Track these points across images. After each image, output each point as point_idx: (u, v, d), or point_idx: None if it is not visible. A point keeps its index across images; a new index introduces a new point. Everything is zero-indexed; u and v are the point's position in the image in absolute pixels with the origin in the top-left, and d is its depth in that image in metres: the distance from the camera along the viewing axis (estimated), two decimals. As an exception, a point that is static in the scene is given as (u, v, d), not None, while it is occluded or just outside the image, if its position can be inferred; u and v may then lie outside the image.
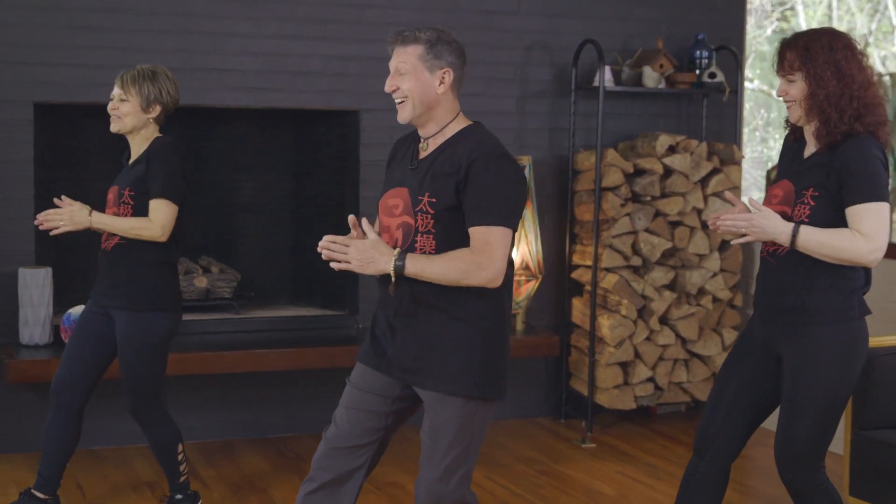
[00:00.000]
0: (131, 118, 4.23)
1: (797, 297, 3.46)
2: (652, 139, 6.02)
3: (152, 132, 4.29)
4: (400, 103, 3.28)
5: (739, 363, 3.66)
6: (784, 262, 3.50)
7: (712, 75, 6.13)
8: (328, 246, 3.18)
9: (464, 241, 3.20)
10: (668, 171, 6.03)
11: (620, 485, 5.16)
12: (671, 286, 6.08)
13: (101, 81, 5.33)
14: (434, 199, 3.18)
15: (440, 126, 3.30)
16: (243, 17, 5.58)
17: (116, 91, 4.26)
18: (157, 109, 4.26)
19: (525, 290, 5.95)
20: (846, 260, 3.37)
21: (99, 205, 4.34)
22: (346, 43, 5.75)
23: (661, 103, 6.36)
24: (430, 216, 3.18)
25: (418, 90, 3.25)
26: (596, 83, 5.96)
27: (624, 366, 6.03)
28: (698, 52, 6.20)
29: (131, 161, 4.30)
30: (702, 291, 6.11)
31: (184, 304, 5.62)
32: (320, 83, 5.72)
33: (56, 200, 4.23)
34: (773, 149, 10.64)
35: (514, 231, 3.21)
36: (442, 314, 3.22)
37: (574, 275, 6.16)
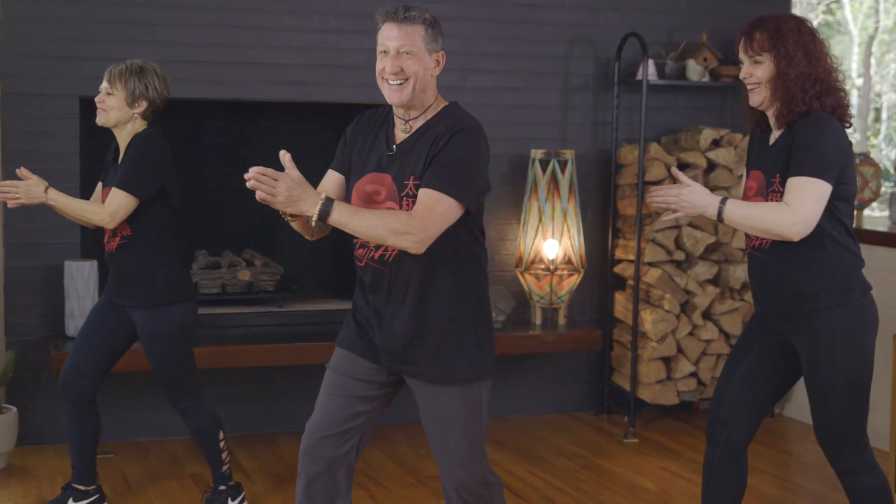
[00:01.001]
0: (116, 112, 4.24)
1: (793, 287, 3.46)
2: (696, 133, 5.99)
3: (138, 127, 4.28)
4: (400, 84, 3.19)
5: (747, 347, 3.67)
6: (770, 254, 3.50)
7: (757, 68, 6.07)
8: (257, 177, 3.00)
9: (453, 226, 3.15)
10: (712, 165, 5.99)
11: (663, 480, 5.14)
12: (714, 281, 6.04)
13: (146, 76, 5.38)
14: (419, 182, 3.14)
15: (424, 108, 3.25)
16: (287, 12, 5.60)
17: (104, 84, 4.27)
18: (143, 105, 4.25)
19: (567, 284, 5.93)
20: (770, 232, 3.38)
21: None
22: (389, 37, 5.74)
23: (705, 97, 6.32)
24: (415, 200, 3.13)
25: (421, 72, 3.19)
26: (639, 77, 5.94)
27: (667, 361, 6.00)
28: (743, 46, 6.15)
29: (119, 160, 4.29)
30: (745, 286, 6.07)
31: (227, 298, 5.71)
32: (363, 77, 5.72)
33: (17, 171, 4.17)
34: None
35: (466, 207, 3.13)
36: (428, 299, 3.20)
37: (617, 269, 6.14)
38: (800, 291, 3.45)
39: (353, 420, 3.31)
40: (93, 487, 4.46)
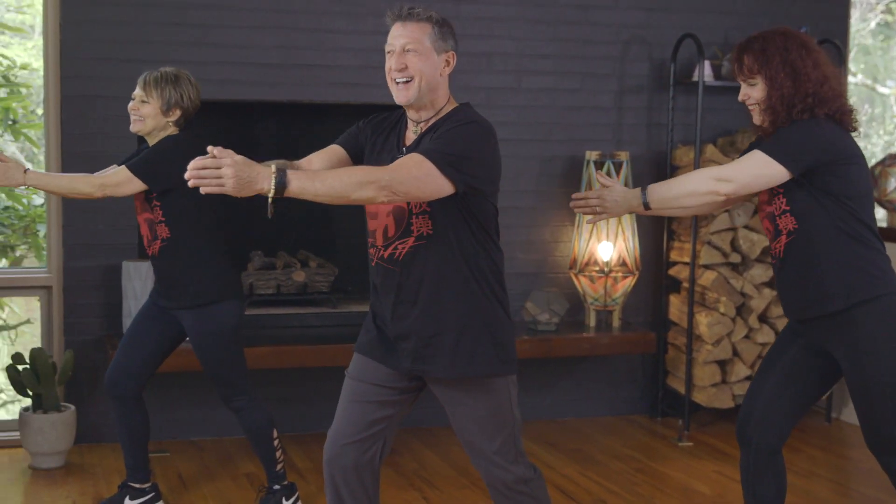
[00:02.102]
0: (151, 120, 4.25)
1: (813, 289, 3.44)
2: (751, 135, 5.93)
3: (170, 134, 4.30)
4: (406, 83, 3.16)
5: (782, 351, 3.64)
6: (786, 261, 3.49)
7: (815, 69, 6.01)
8: (196, 174, 2.81)
9: (459, 218, 3.14)
10: (769, 167, 5.93)
11: (718, 484, 5.10)
12: (771, 284, 5.98)
13: (203, 77, 5.39)
14: None
15: (436, 110, 3.23)
16: (341, 13, 5.62)
17: (138, 92, 4.27)
18: (177, 113, 4.26)
19: (622, 286, 5.90)
20: (694, 192, 3.40)
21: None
22: (444, 38, 5.75)
23: (762, 98, 6.26)
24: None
25: (427, 71, 3.16)
26: (695, 78, 5.90)
27: (722, 364, 5.96)
28: (800, 46, 6.09)
29: None
30: (802, 289, 6.00)
31: (282, 298, 5.74)
32: (417, 79, 5.73)
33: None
34: (877, 145, 10.42)
35: (451, 182, 3.03)
36: (440, 299, 3.17)
37: (672, 271, 6.10)
38: (821, 293, 3.42)
39: (375, 426, 3.31)
40: (148, 485, 4.50)
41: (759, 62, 3.44)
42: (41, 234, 6.33)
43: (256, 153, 6.50)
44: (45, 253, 5.73)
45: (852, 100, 6.37)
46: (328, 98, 5.65)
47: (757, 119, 3.51)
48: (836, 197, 3.40)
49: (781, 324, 5.93)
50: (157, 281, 4.37)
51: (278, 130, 6.22)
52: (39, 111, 6.46)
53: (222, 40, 5.46)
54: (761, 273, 5.91)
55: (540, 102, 5.93)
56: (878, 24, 10.94)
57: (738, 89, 6.06)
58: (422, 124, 3.22)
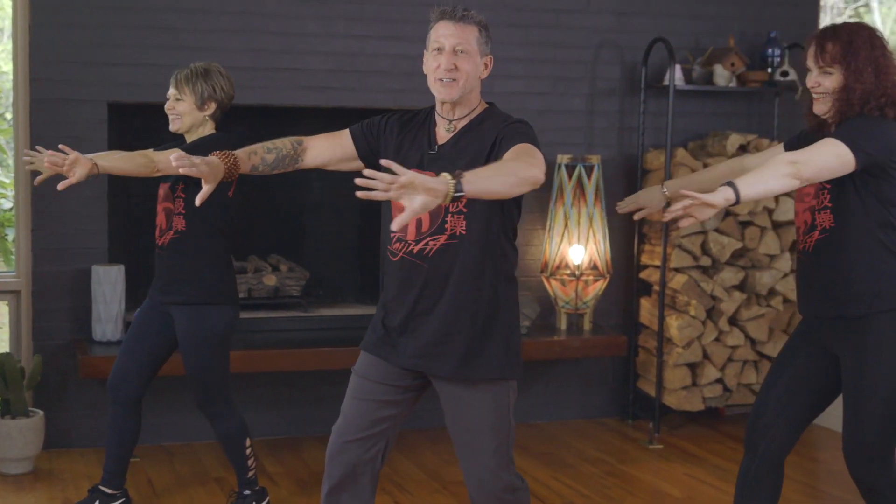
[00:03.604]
0: (189, 117, 4.27)
1: (838, 290, 3.43)
2: (723, 138, 5.97)
3: (208, 130, 4.32)
4: (453, 81, 3.21)
5: (791, 358, 3.63)
6: (815, 256, 3.47)
7: (784, 73, 6.06)
8: (368, 184, 2.75)
9: (492, 220, 3.18)
10: (739, 171, 5.96)
11: (688, 487, 5.12)
12: (741, 287, 6.01)
13: (174, 81, 5.40)
14: None
15: (470, 109, 3.28)
16: (313, 17, 5.61)
17: (171, 91, 4.29)
18: (213, 107, 4.28)
19: (593, 289, 5.92)
20: (771, 175, 3.16)
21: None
22: (416, 42, 5.71)
23: (733, 102, 6.30)
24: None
25: (472, 72, 3.23)
26: (666, 82, 5.92)
27: (692, 367, 5.98)
28: (770, 50, 6.14)
29: None
30: (772, 292, 6.04)
31: (253, 302, 5.73)
32: (389, 82, 5.74)
33: (61, 147, 3.91)
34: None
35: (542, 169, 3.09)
36: (461, 298, 3.20)
37: (642, 275, 6.12)
38: (846, 294, 3.42)
39: (378, 424, 3.32)
40: (119, 491, 4.48)
41: (845, 52, 3.38)
42: (10, 238, 6.29)
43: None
44: (13, 257, 5.69)
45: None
46: (299, 102, 5.64)
47: (821, 108, 3.44)
48: (883, 202, 3.38)
49: (751, 327, 5.97)
50: (158, 274, 4.37)
51: (250, 133, 6.19)
52: (9, 115, 6.42)
53: (193, 43, 5.44)
54: (731, 276, 5.94)
55: (512, 106, 5.91)
56: (848, 28, 11.00)
57: (708, 93, 6.15)
58: (455, 122, 3.27)
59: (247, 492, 4.49)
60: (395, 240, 3.28)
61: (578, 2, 6.01)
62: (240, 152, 3.39)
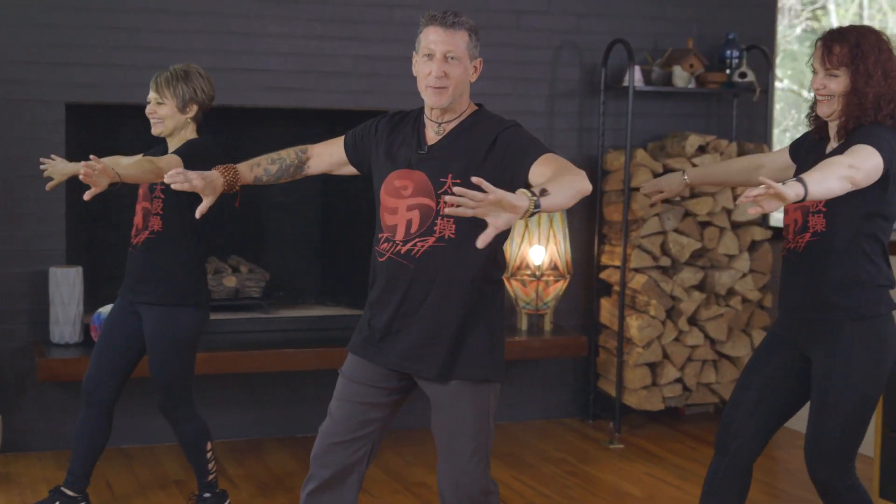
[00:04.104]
0: (171, 120, 4.25)
1: (820, 294, 3.45)
2: (681, 139, 6.00)
3: (190, 133, 4.31)
4: (442, 88, 3.22)
5: (765, 361, 3.64)
6: (802, 257, 3.49)
7: (743, 75, 6.10)
8: (464, 202, 2.76)
9: (482, 223, 3.17)
10: (698, 172, 6.00)
11: (648, 486, 5.15)
12: (700, 287, 6.05)
13: (133, 82, 5.37)
14: (459, 181, 3.17)
15: (459, 112, 3.29)
16: (273, 18, 5.59)
17: (152, 94, 4.26)
18: (194, 109, 4.27)
19: (553, 290, 5.94)
20: (836, 189, 3.16)
21: (131, 204, 4.36)
22: (376, 43, 5.76)
23: (691, 103, 6.34)
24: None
25: (462, 78, 3.24)
26: (625, 83, 5.95)
27: (652, 366, 6.01)
28: (729, 52, 6.18)
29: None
30: (731, 292, 6.08)
31: (213, 304, 5.69)
32: (350, 83, 5.73)
33: (92, 157, 3.83)
34: (804, 149, 10.56)
35: None
36: (447, 300, 3.22)
37: (602, 275, 6.15)
38: (825, 300, 3.43)
39: (365, 427, 3.33)
40: (80, 495, 4.45)
41: (853, 55, 3.37)
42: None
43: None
44: (-30, 259, 5.63)
45: (778, 105, 6.43)
46: (260, 103, 5.62)
47: (825, 110, 3.44)
48: (873, 213, 3.39)
49: (710, 326, 6.01)
50: (129, 273, 4.33)
51: (210, 135, 6.16)
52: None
53: (153, 44, 5.41)
54: (690, 276, 5.98)
55: (472, 107, 5.93)
56: (804, 31, 11.10)
57: (667, 95, 6.18)
58: (444, 125, 3.29)
59: (207, 494, 4.47)
60: (382, 240, 3.29)
61: (538, 3, 6.03)
62: (241, 165, 3.47)
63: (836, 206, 3.40)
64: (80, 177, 3.67)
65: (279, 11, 5.60)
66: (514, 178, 3.15)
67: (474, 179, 2.80)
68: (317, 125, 6.30)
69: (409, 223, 3.22)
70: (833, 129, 3.50)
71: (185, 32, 5.46)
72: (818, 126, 3.57)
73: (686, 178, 3.97)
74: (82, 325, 5.32)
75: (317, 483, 3.33)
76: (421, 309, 3.23)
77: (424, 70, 3.25)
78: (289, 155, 3.53)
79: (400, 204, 3.24)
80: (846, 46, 3.39)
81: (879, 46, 3.40)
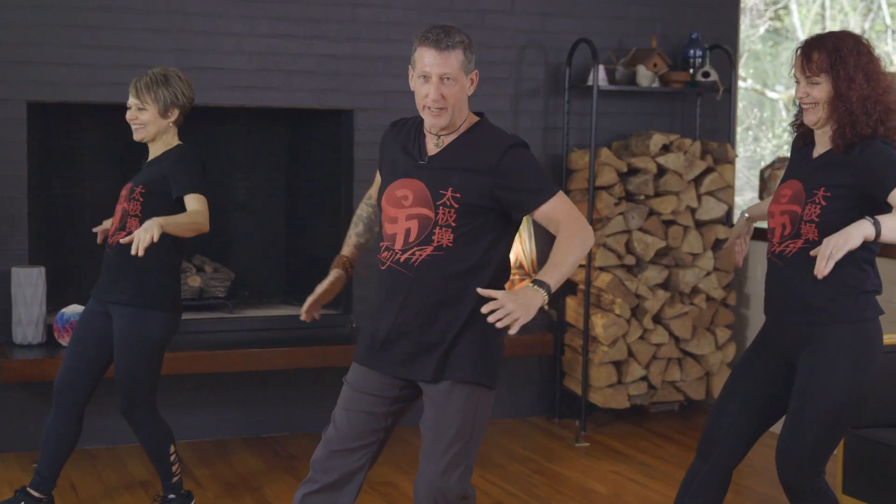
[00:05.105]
0: (153, 126, 4.23)
1: (807, 298, 3.44)
2: (646, 138, 6.03)
3: (172, 137, 4.29)
4: (440, 110, 3.24)
5: (751, 368, 3.64)
6: (791, 262, 3.48)
7: (706, 74, 6.13)
8: (496, 317, 3.04)
9: (479, 235, 3.23)
10: (662, 170, 6.03)
11: (614, 484, 5.17)
12: (665, 285, 6.08)
13: (96, 81, 5.34)
14: (458, 195, 3.20)
15: (458, 124, 3.31)
16: (237, 16, 5.57)
17: (132, 100, 4.23)
18: (176, 113, 4.25)
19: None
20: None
21: (107, 204, 4.33)
22: (340, 42, 5.75)
23: (655, 102, 6.37)
24: (453, 210, 3.20)
25: (460, 95, 3.26)
26: (590, 82, 5.97)
27: (617, 365, 6.03)
28: (692, 52, 6.21)
29: (149, 160, 4.30)
30: (695, 290, 6.12)
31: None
32: (314, 82, 5.71)
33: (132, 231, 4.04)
34: (766, 148, 10.65)
35: None
36: (448, 306, 3.24)
37: (568, 274, 6.15)
38: (812, 303, 3.43)
39: (369, 436, 3.34)
40: (45, 497, 4.42)
41: (832, 60, 3.37)
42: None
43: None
44: (-69, 259, 5.58)
45: (741, 104, 6.44)
46: (224, 102, 5.60)
47: (811, 118, 3.44)
48: None
49: (675, 325, 6.04)
50: (104, 273, 4.30)
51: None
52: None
53: (116, 42, 5.38)
54: (655, 275, 6.00)
55: (437, 106, 5.93)
56: (767, 31, 11.17)
57: (631, 94, 6.21)
58: (443, 137, 3.30)
59: (172, 496, 4.45)
60: (383, 248, 3.31)
61: (502, 2, 6.04)
62: (346, 250, 3.56)
63: (831, 216, 3.39)
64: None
65: (243, 10, 5.58)
66: (517, 207, 3.25)
67: (481, 291, 3.11)
68: (281, 124, 6.29)
69: (407, 232, 3.24)
70: (821, 135, 3.49)
71: (149, 31, 5.43)
72: (801, 132, 3.57)
73: (746, 215, 3.91)
74: (45, 326, 5.28)
75: (316, 486, 3.33)
76: (419, 316, 3.25)
77: (422, 91, 3.26)
78: (366, 212, 3.60)
79: (400, 213, 3.26)
80: (824, 52, 3.39)
81: (858, 49, 3.40)
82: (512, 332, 3.07)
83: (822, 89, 3.40)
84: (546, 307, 3.18)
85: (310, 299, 3.51)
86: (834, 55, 3.38)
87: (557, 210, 3.24)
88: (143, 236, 3.76)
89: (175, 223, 3.98)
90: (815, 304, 3.43)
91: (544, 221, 3.26)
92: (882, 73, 3.42)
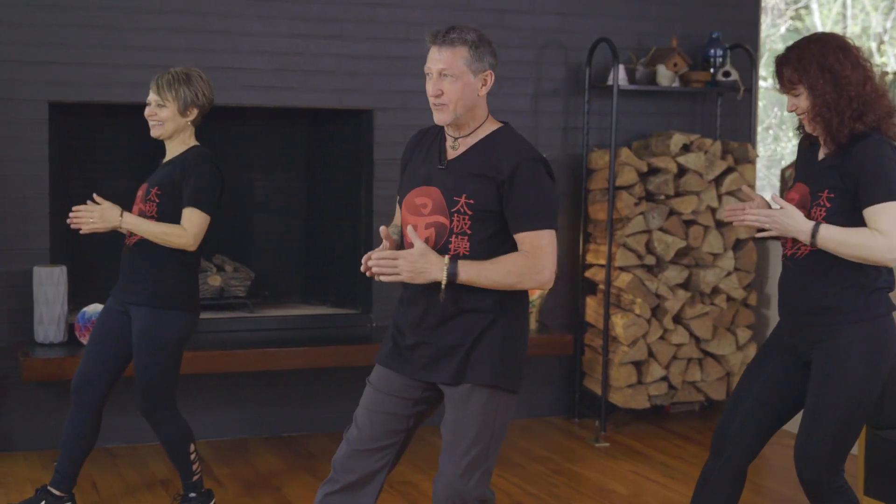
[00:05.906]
0: (171, 123, 4.24)
1: (819, 298, 3.45)
2: (666, 138, 6.01)
3: (189, 136, 4.31)
4: (441, 105, 3.24)
5: (765, 365, 3.64)
6: (802, 264, 3.48)
7: (726, 74, 6.11)
8: (377, 263, 3.16)
9: (496, 243, 3.22)
10: (682, 170, 6.01)
11: (634, 484, 5.15)
12: (685, 285, 6.06)
13: (116, 80, 5.35)
14: (472, 201, 3.19)
15: (474, 127, 3.30)
16: (256, 16, 5.58)
17: (152, 97, 4.24)
18: (195, 112, 4.26)
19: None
20: (865, 258, 3.35)
21: (127, 203, 4.35)
22: (359, 42, 5.76)
23: (675, 102, 6.35)
24: (467, 217, 3.20)
25: (464, 94, 3.23)
26: (610, 82, 5.95)
27: (638, 365, 6.02)
28: (712, 51, 6.19)
29: (165, 160, 4.32)
30: (716, 290, 6.10)
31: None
32: (333, 82, 5.72)
33: (93, 198, 4.19)
34: (787, 147, 10.62)
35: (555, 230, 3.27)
36: (469, 311, 3.24)
37: (588, 274, 6.15)
38: (824, 303, 3.44)
39: (391, 437, 3.34)
40: (67, 495, 4.43)
41: (798, 72, 3.42)
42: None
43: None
44: (-47, 259, 5.61)
45: (762, 104, 6.43)
46: (243, 101, 5.61)
47: (808, 128, 3.49)
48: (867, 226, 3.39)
49: (695, 325, 6.02)
50: (123, 274, 4.32)
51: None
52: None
53: (134, 43, 5.40)
54: (675, 275, 5.98)
55: (456, 106, 5.93)
56: (788, 30, 11.13)
57: (651, 93, 6.19)
58: (460, 140, 3.29)
59: (192, 494, 4.46)
60: None
61: (522, 2, 6.03)
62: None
63: (836, 217, 3.40)
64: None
65: (261, 10, 5.59)
66: (509, 220, 3.22)
67: (382, 230, 3.20)
68: (300, 124, 6.29)
69: (426, 241, 3.24)
70: (820, 140, 3.51)
71: (167, 31, 5.45)
72: (807, 134, 3.59)
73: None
74: (67, 325, 5.30)
75: (338, 486, 3.34)
76: (441, 322, 3.25)
77: (427, 89, 3.28)
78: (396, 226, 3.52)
79: (419, 222, 3.26)
80: (790, 66, 3.45)
81: (823, 52, 3.42)
82: (377, 279, 3.17)
83: (803, 99, 3.45)
84: (442, 289, 3.17)
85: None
86: (798, 65, 3.43)
87: (534, 244, 3.19)
88: (92, 219, 4.11)
89: (145, 229, 4.14)
90: (828, 304, 3.44)
91: (518, 242, 3.22)
92: (853, 68, 3.41)
